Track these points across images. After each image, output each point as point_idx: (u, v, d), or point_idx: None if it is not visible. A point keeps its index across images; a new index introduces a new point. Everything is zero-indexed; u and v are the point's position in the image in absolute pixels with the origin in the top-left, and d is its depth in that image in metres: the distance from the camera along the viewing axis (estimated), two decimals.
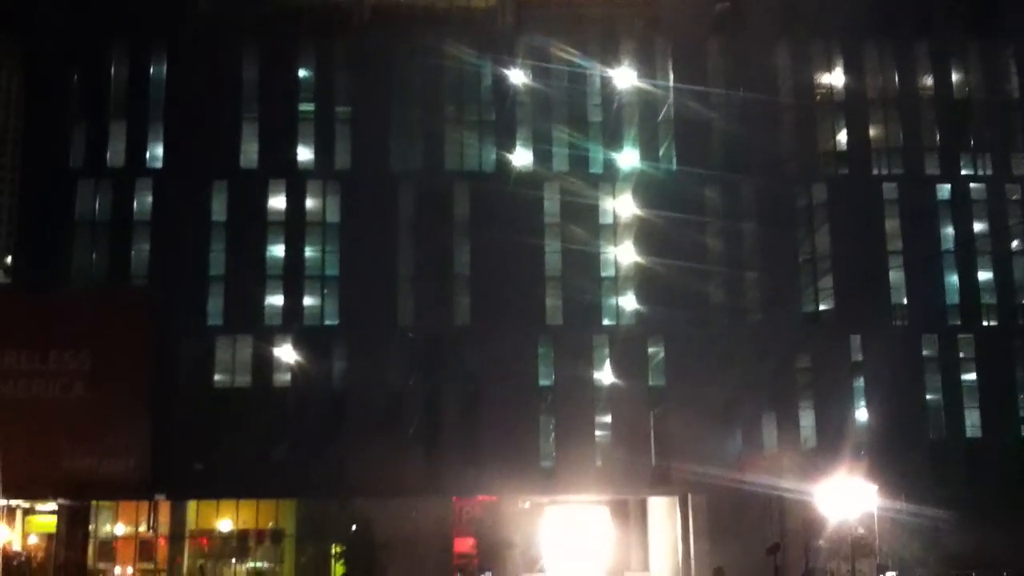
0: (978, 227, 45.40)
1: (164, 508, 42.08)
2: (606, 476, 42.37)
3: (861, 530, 32.03)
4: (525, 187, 43.36)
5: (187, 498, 41.64)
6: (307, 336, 41.78)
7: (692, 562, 41.15)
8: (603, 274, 44.10)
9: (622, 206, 44.34)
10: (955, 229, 45.13)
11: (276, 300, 42.75)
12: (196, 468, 39.07)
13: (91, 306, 39.79)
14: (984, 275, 45.03)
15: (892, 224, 44.84)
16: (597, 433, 43.04)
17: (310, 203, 43.72)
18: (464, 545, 40.99)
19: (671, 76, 45.06)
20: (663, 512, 45.55)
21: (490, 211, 43.05)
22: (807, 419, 43.40)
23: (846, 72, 46.08)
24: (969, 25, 46.53)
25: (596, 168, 44.60)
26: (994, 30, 46.48)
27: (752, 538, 32.39)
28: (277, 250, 43.10)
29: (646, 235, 43.68)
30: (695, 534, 41.66)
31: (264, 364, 41.62)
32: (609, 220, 44.59)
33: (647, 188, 43.99)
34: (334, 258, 43.32)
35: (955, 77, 46.50)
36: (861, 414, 43.50)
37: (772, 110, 45.07)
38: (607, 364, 43.16)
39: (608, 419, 43.06)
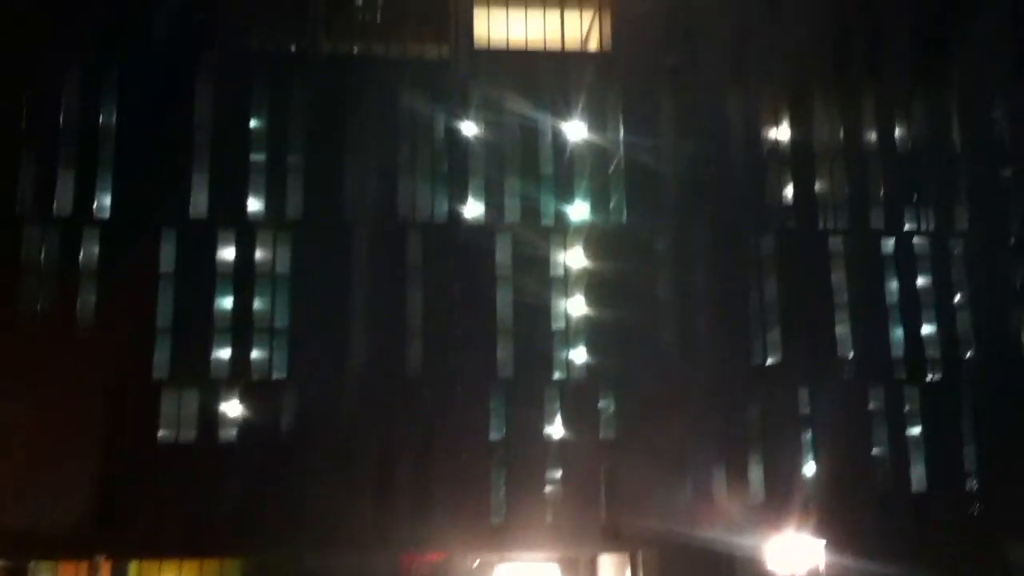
0: (921, 281, 46.10)
1: (105, 568, 40.98)
2: (556, 532, 42.09)
3: None
4: (477, 237, 43.29)
5: (129, 557, 40.50)
6: (254, 390, 41.16)
7: None
8: (554, 326, 44.05)
9: (573, 258, 44.44)
10: (899, 283, 45.83)
11: (223, 353, 42.19)
12: (139, 527, 38.21)
13: (36, 355, 38.90)
14: (928, 329, 45.69)
15: (838, 277, 45.40)
16: (548, 488, 42.91)
17: (260, 254, 43.23)
18: None
19: (622, 127, 45.27)
20: (613, 570, 45.46)
21: (443, 261, 42.96)
22: (756, 472, 43.67)
23: (792, 125, 46.52)
24: (916, 75, 47.34)
25: (547, 220, 44.50)
26: (940, 81, 47.43)
27: None
28: (226, 302, 42.54)
29: (597, 286, 43.74)
30: None
31: (210, 419, 40.84)
32: (560, 272, 44.56)
33: (598, 239, 44.12)
34: (284, 309, 42.85)
35: (900, 130, 47.23)
36: (809, 467, 43.87)
37: (722, 162, 45.47)
38: (558, 417, 43.12)
39: (559, 474, 43.02)
